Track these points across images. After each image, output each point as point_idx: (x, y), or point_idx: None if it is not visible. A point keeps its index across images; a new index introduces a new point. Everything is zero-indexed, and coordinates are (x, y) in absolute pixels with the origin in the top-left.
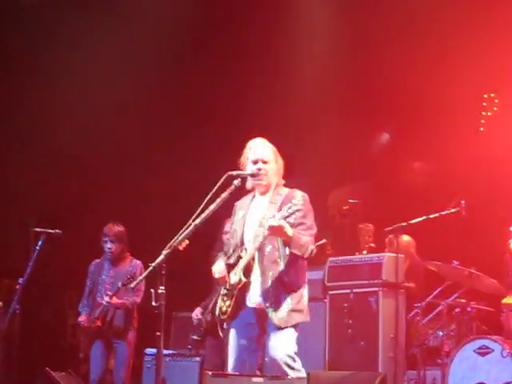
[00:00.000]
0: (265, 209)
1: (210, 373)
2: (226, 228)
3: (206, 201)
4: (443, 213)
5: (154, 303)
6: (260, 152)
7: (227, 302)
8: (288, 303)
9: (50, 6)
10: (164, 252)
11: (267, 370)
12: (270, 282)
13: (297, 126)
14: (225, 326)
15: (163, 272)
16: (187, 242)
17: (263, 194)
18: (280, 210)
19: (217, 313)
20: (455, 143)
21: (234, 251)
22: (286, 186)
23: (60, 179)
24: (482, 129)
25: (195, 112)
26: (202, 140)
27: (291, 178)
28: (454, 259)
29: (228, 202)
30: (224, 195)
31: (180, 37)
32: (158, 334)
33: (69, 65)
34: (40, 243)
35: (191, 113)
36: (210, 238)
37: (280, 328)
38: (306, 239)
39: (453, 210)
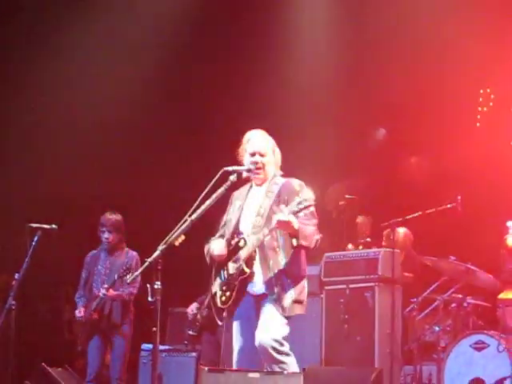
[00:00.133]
0: (262, 199)
1: (206, 368)
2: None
3: (201, 196)
4: (439, 208)
5: (150, 298)
6: (258, 144)
7: (228, 293)
8: (291, 293)
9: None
10: (160, 247)
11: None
12: (271, 271)
13: (294, 122)
14: (224, 314)
15: (159, 267)
16: (183, 237)
17: (259, 184)
18: (278, 199)
19: (218, 302)
20: (451, 139)
21: (228, 240)
22: (283, 176)
23: (56, 174)
24: (478, 124)
25: (193, 108)
26: (201, 135)
27: (288, 174)
28: (451, 254)
29: (225, 197)
30: (220, 191)
31: (179, 35)
32: (154, 329)
33: (68, 63)
34: (36, 239)
35: (188, 108)
36: (206, 234)
37: (278, 313)
38: (311, 229)
39: (449, 206)
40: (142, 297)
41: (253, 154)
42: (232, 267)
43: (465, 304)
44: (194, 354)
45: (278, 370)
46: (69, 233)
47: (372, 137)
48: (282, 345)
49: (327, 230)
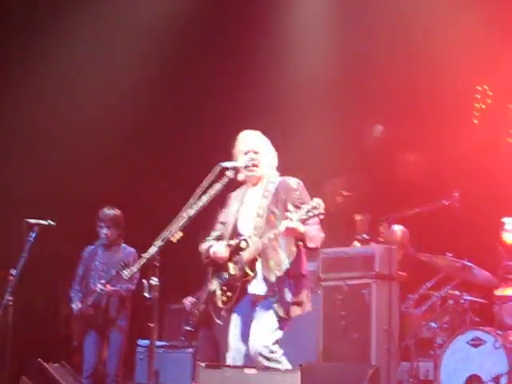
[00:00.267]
0: (259, 199)
1: (202, 364)
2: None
3: (197, 192)
4: (436, 205)
5: (147, 295)
6: (251, 143)
7: (229, 293)
8: (292, 295)
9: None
10: (157, 243)
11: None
12: (272, 273)
13: (290, 118)
14: (223, 313)
15: (156, 264)
16: (181, 234)
17: (255, 184)
18: (276, 198)
19: (219, 302)
20: (449, 135)
21: (227, 241)
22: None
23: (53, 169)
24: (475, 121)
25: (191, 104)
26: (199, 131)
27: (284, 170)
28: (448, 251)
29: (222, 193)
30: (217, 187)
31: (178, 34)
32: (150, 325)
33: (68, 62)
34: (33, 234)
35: (187, 105)
36: (203, 230)
37: (274, 315)
38: (316, 229)
39: (446, 202)
40: (139, 293)
41: (246, 153)
42: (233, 268)
43: (461, 301)
44: (190, 349)
45: None
46: (66, 228)
47: (369, 133)
48: (272, 352)
49: (324, 226)
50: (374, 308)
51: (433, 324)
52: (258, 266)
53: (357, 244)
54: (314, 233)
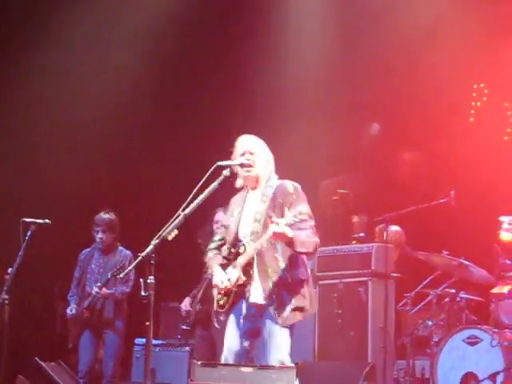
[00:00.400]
0: (258, 204)
1: (198, 362)
2: (217, 217)
3: (194, 191)
4: (433, 203)
5: (143, 293)
6: (247, 145)
7: (225, 298)
8: (291, 302)
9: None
10: (153, 242)
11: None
12: (270, 280)
13: (287, 117)
14: (221, 318)
15: (152, 262)
16: (176, 232)
17: (254, 188)
18: (273, 203)
19: (214, 306)
20: (445, 134)
21: (229, 248)
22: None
23: (50, 169)
24: (471, 119)
25: (189, 103)
26: (196, 130)
27: (281, 169)
28: (444, 249)
29: (217, 192)
30: (213, 185)
31: (177, 34)
32: (147, 323)
33: (68, 62)
34: (29, 233)
35: (184, 104)
36: (199, 229)
37: (280, 327)
38: (307, 233)
39: (442, 201)
40: (135, 292)
41: (243, 154)
42: (230, 273)
43: (458, 299)
44: (187, 348)
45: None
46: (64, 228)
47: (366, 132)
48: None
49: (320, 225)
50: (370, 306)
51: (429, 322)
52: (256, 274)
53: (353, 243)
54: (305, 238)
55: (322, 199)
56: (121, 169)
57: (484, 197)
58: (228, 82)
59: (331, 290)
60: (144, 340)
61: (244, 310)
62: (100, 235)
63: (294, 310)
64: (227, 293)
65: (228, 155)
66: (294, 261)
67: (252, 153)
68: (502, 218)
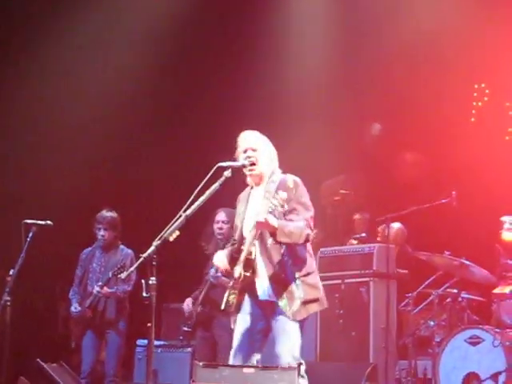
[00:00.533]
0: (261, 200)
1: (200, 363)
2: (218, 218)
3: (196, 192)
4: (434, 203)
5: (144, 294)
6: (248, 141)
7: (232, 296)
8: (299, 295)
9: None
10: (155, 243)
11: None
12: (276, 275)
13: (289, 117)
14: (233, 317)
15: (154, 263)
16: (178, 233)
17: (258, 184)
18: (276, 198)
19: (223, 305)
20: (446, 134)
21: (234, 244)
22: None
23: (51, 170)
24: (473, 119)
25: (190, 104)
26: (197, 130)
27: (283, 169)
28: (446, 249)
29: (219, 193)
30: (214, 186)
31: (178, 32)
32: (148, 324)
33: (68, 61)
34: (31, 235)
35: (185, 104)
36: (200, 229)
37: (291, 322)
38: (296, 225)
39: (444, 201)
40: (137, 292)
41: (245, 151)
42: (236, 270)
43: (460, 299)
44: (189, 349)
45: None
46: (65, 229)
47: (367, 132)
48: (302, 364)
49: (322, 224)
50: (372, 306)
51: (431, 322)
52: (263, 270)
53: (354, 242)
54: (293, 228)
55: (323, 199)
56: (121, 169)
57: (486, 197)
58: (228, 82)
59: (333, 290)
60: (146, 341)
61: (253, 308)
62: (102, 233)
63: (304, 303)
64: (234, 290)
65: (229, 154)
66: (300, 255)
67: (254, 149)
68: (503, 218)
